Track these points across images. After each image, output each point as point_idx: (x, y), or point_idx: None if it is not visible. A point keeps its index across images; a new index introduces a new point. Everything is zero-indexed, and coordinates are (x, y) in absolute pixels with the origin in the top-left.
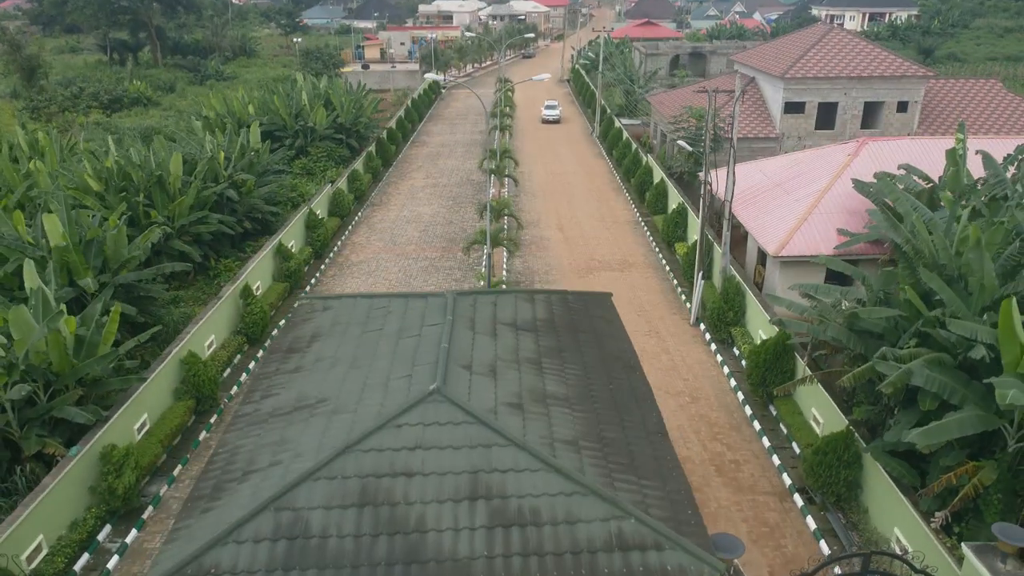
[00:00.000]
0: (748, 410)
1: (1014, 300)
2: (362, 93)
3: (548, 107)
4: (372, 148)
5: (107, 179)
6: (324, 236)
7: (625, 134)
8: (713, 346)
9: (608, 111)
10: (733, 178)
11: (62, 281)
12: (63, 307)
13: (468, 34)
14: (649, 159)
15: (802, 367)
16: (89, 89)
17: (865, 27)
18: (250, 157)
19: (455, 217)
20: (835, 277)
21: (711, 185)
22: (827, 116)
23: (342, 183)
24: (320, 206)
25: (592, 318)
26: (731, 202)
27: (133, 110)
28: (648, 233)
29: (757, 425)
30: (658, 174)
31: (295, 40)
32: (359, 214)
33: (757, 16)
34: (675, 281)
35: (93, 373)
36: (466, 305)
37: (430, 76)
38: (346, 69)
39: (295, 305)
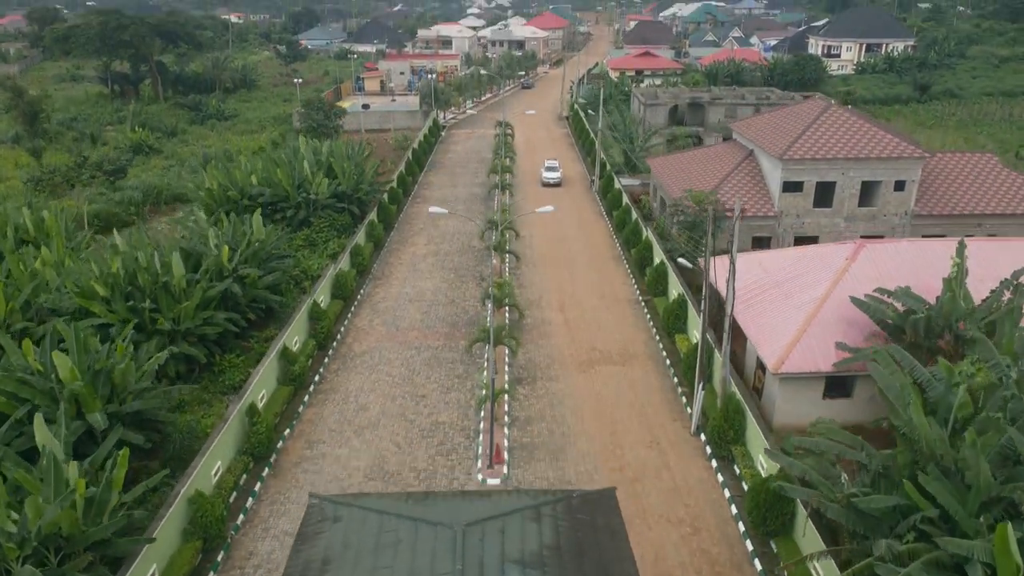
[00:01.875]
0: (749, 545)
1: (1009, 527)
2: (363, 156)
3: (548, 168)
4: (374, 215)
5: (113, 284)
6: (327, 327)
7: (625, 198)
8: (714, 462)
9: (608, 167)
10: (733, 291)
11: (70, 413)
12: (77, 478)
13: (466, 70)
14: (649, 233)
15: (803, 516)
16: (92, 159)
17: (862, 58)
18: (254, 248)
19: (457, 295)
20: (834, 388)
21: (711, 279)
22: (825, 195)
23: (344, 262)
24: (323, 292)
25: (597, 531)
26: (731, 314)
27: (136, 160)
28: (648, 316)
29: (758, 564)
30: (658, 253)
31: (296, 80)
32: (362, 291)
33: (755, 40)
34: (675, 379)
35: (103, 536)
36: (475, 541)
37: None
38: (345, 103)
39: (307, 507)
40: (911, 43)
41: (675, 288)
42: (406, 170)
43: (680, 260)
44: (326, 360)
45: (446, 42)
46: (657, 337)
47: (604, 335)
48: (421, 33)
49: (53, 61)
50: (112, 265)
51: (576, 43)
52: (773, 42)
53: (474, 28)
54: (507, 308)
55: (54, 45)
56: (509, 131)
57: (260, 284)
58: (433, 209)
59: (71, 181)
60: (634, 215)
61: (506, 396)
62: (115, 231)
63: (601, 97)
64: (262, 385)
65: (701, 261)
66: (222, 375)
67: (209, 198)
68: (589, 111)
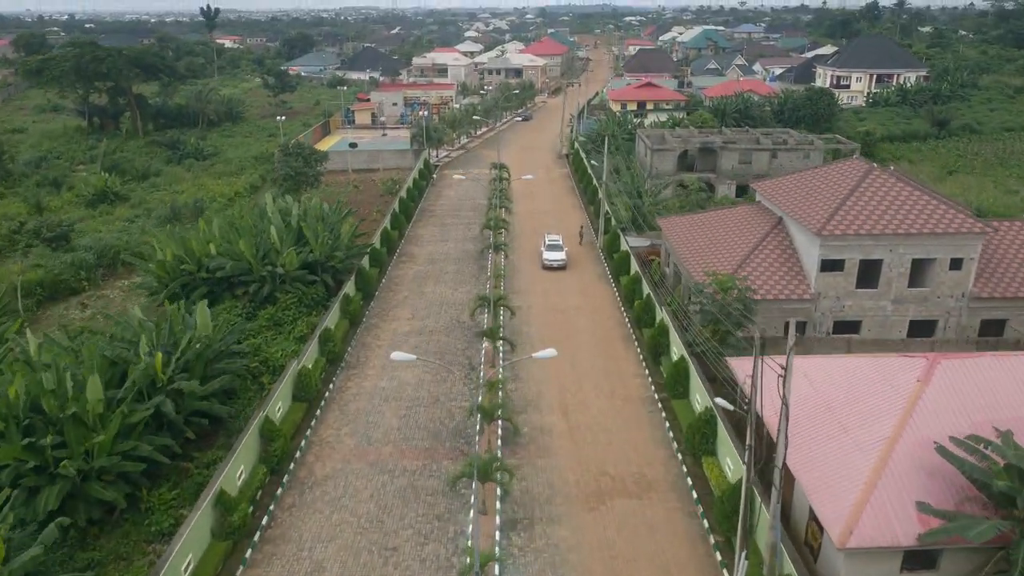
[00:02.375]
0: None
1: None
2: (339, 216)
3: (551, 246)
4: (351, 286)
5: (8, 416)
6: (283, 448)
7: (633, 264)
8: None
9: (613, 222)
10: (786, 437)
11: None
12: None
13: (462, 100)
14: (664, 316)
15: None
16: (29, 225)
17: (872, 88)
18: (197, 349)
19: (442, 392)
20: (915, 560)
21: (755, 405)
22: (870, 274)
23: (311, 353)
24: (283, 395)
25: None
26: (783, 463)
27: (99, 209)
28: (667, 424)
29: None
30: (676, 343)
31: (278, 118)
32: (332, 384)
33: (757, 68)
34: (706, 523)
35: None
36: None
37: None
38: (333, 139)
39: None
40: (923, 73)
41: (700, 395)
42: (392, 223)
43: (718, 401)
44: (279, 491)
45: (442, 70)
46: (679, 455)
47: (616, 453)
48: (416, 61)
49: (39, 88)
50: (10, 390)
51: (575, 69)
52: (778, 71)
53: (472, 53)
54: (499, 420)
55: (27, 78)
56: (505, 174)
57: (206, 391)
58: (397, 355)
59: (2, 251)
60: (645, 289)
61: (496, 565)
62: (28, 331)
63: (606, 148)
64: (190, 546)
65: (744, 383)
66: (149, 515)
67: (161, 270)
68: (591, 154)
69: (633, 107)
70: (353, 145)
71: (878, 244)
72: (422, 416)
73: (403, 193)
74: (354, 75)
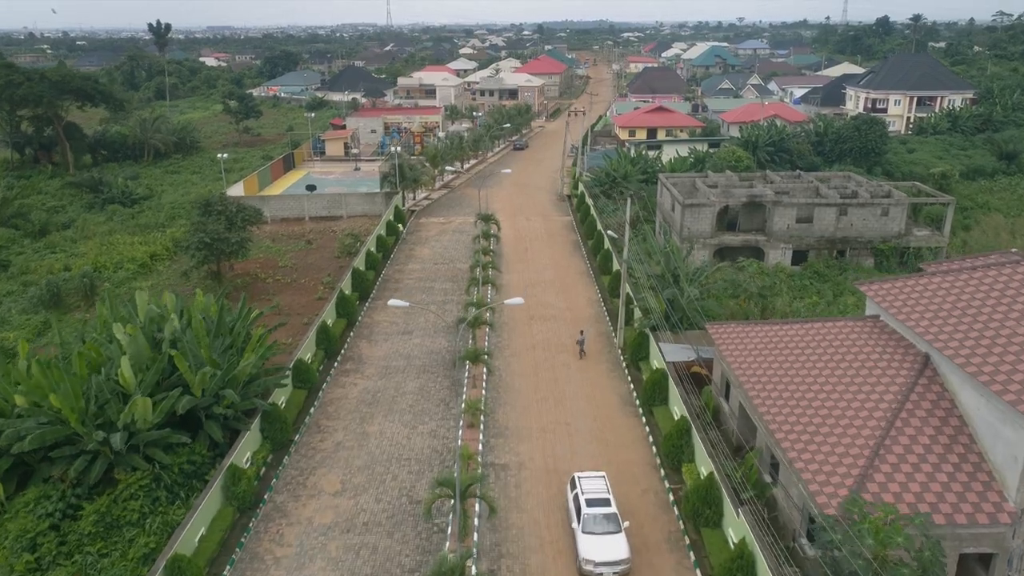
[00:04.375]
0: None
1: None
2: (247, 323)
3: (593, 513)
4: (250, 441)
5: None
6: None
7: (677, 401)
8: None
9: (637, 316)
10: None
11: None
12: None
13: (451, 127)
14: (740, 516)
15: None
16: None
17: (913, 113)
18: None
19: None
20: None
21: None
22: None
23: None
24: None
25: None
26: None
27: None
28: None
29: None
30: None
31: (220, 156)
32: None
33: (773, 87)
34: None
35: None
36: None
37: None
38: (297, 175)
39: None
40: (969, 96)
41: None
42: (338, 308)
43: None
44: None
45: (429, 91)
46: None
47: None
48: (402, 81)
49: None
50: None
51: (574, 88)
52: (798, 91)
53: (465, 70)
54: None
55: None
56: (494, 227)
57: None
58: None
59: None
60: (698, 447)
61: None
62: None
63: (627, 219)
64: None
65: None
66: None
67: None
68: (599, 199)
69: (643, 134)
70: (311, 188)
71: None
72: None
73: (360, 260)
74: (336, 96)
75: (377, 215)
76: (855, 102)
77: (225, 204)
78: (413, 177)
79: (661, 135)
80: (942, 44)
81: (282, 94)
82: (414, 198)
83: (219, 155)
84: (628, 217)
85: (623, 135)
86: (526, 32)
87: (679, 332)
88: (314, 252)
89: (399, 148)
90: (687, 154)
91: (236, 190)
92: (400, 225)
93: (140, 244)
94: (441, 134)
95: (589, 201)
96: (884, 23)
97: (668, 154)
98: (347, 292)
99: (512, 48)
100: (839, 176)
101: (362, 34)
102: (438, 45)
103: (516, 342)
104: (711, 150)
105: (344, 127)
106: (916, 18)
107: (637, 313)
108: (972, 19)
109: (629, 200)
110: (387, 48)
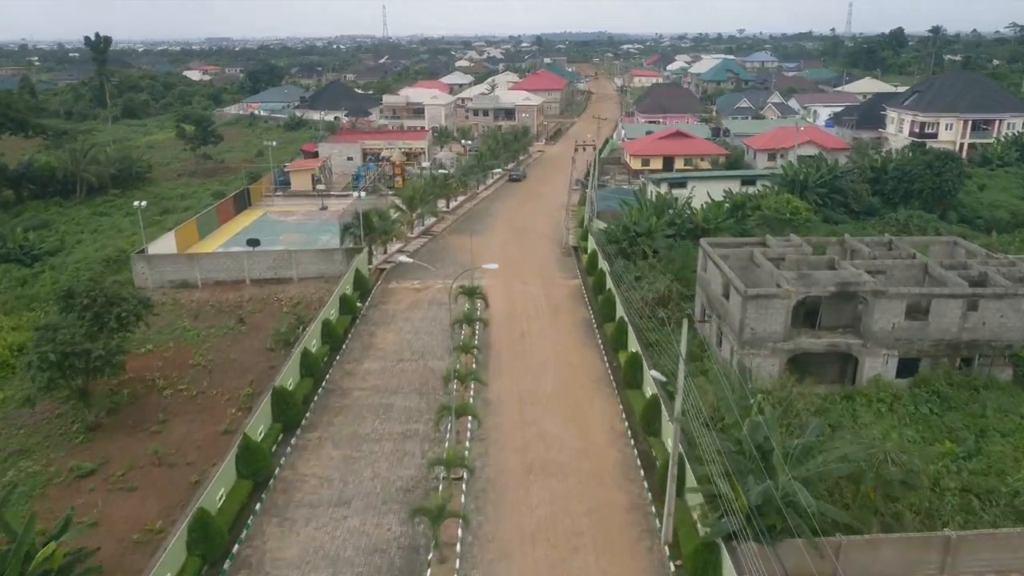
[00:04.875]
0: None
1: None
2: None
3: None
4: None
5: None
6: None
7: None
8: None
9: (703, 518)
10: None
11: None
12: None
13: (438, 154)
14: None
15: None
16: None
17: (967, 139)
18: None
19: None
20: None
21: None
22: None
23: None
24: None
25: None
26: None
27: None
28: None
29: None
30: None
31: (137, 204)
32: None
33: (793, 104)
34: None
35: None
36: None
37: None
38: (252, 215)
39: None
40: None
41: None
42: (241, 462)
43: None
44: None
45: (417, 111)
46: None
47: None
48: (387, 100)
49: None
50: None
51: (575, 105)
52: (822, 110)
53: (461, 85)
54: None
55: None
56: (479, 307)
57: None
58: None
59: None
60: None
61: None
62: None
63: (682, 354)
64: None
65: None
66: None
67: None
68: (615, 259)
69: (658, 163)
70: (254, 243)
71: None
72: None
73: (291, 366)
74: (314, 114)
75: (336, 276)
76: (897, 125)
77: (94, 296)
78: (383, 228)
79: (679, 164)
80: (957, 57)
81: (261, 112)
82: (385, 251)
83: (136, 203)
84: (683, 352)
85: (635, 164)
86: (524, 44)
87: (771, 542)
88: (244, 339)
89: (363, 193)
90: (723, 197)
91: (165, 244)
92: (359, 302)
93: (10, 330)
94: (425, 164)
95: (604, 266)
96: (898, 35)
97: (699, 197)
98: (259, 431)
99: (510, 60)
100: (942, 242)
101: (359, 46)
102: (434, 57)
103: (505, 525)
104: (748, 189)
105: (316, 154)
106: (935, 30)
107: (694, 498)
108: (975, 30)
109: (685, 327)
110: (381, 61)
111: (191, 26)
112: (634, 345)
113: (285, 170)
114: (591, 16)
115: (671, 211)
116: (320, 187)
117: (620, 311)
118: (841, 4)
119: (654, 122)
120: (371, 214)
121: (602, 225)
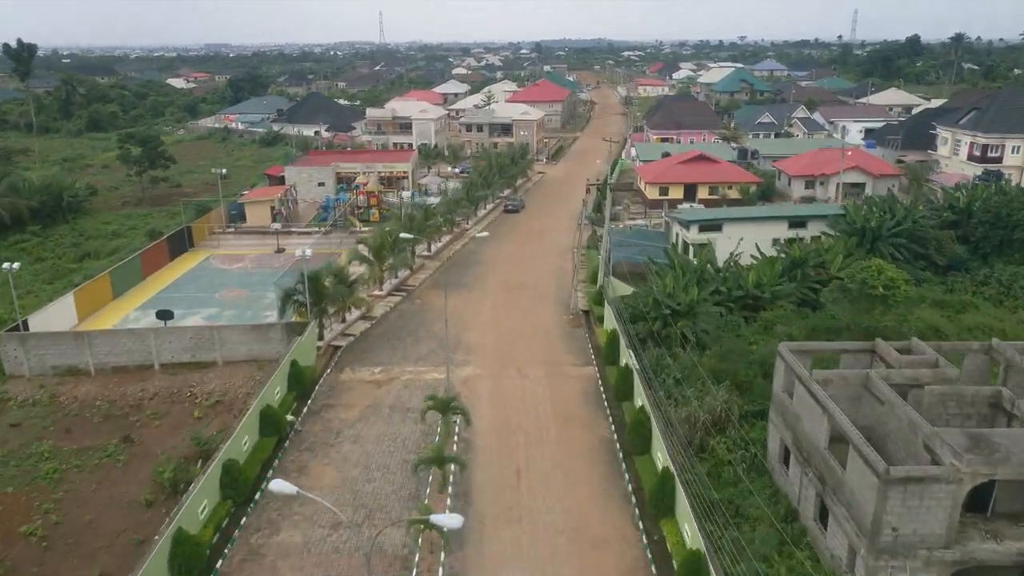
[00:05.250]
0: None
1: None
2: None
3: None
4: None
5: None
6: None
7: None
8: None
9: None
10: None
11: None
12: None
13: (423, 178)
14: None
15: None
16: None
17: None
18: None
19: None
20: None
21: None
22: None
23: None
24: None
25: None
26: None
27: None
28: None
29: None
30: None
31: (8, 265)
32: None
33: (818, 118)
34: None
35: None
36: None
37: None
38: (193, 259)
39: None
40: None
41: None
42: None
43: None
44: None
45: (404, 125)
46: None
47: None
48: (371, 113)
49: None
50: None
51: (578, 117)
52: (852, 126)
53: (456, 94)
54: None
55: None
56: (459, 425)
57: None
58: None
59: None
60: None
61: None
62: None
63: None
64: None
65: None
66: None
67: None
68: (643, 347)
69: (678, 192)
70: (165, 316)
71: None
72: None
73: (159, 552)
74: (293, 129)
75: (270, 359)
76: (952, 147)
77: None
78: (338, 294)
79: (702, 193)
80: (976, 66)
81: (239, 124)
82: (343, 320)
83: (6, 265)
84: None
85: (651, 193)
86: (524, 51)
87: None
88: (120, 478)
89: (329, 228)
90: (774, 248)
91: (60, 310)
92: (291, 415)
93: None
94: (406, 193)
95: (629, 360)
96: (915, 42)
97: (728, 232)
98: None
99: (509, 68)
100: None
101: (357, 52)
102: (431, 64)
103: None
104: (800, 235)
105: (283, 179)
106: (958, 37)
107: None
108: (979, 38)
109: None
110: (376, 68)
111: (193, 32)
112: (687, 519)
113: (240, 200)
114: (590, 23)
115: (719, 274)
116: (275, 225)
117: (660, 454)
118: (842, 11)
119: (667, 139)
120: (322, 275)
121: (621, 289)
